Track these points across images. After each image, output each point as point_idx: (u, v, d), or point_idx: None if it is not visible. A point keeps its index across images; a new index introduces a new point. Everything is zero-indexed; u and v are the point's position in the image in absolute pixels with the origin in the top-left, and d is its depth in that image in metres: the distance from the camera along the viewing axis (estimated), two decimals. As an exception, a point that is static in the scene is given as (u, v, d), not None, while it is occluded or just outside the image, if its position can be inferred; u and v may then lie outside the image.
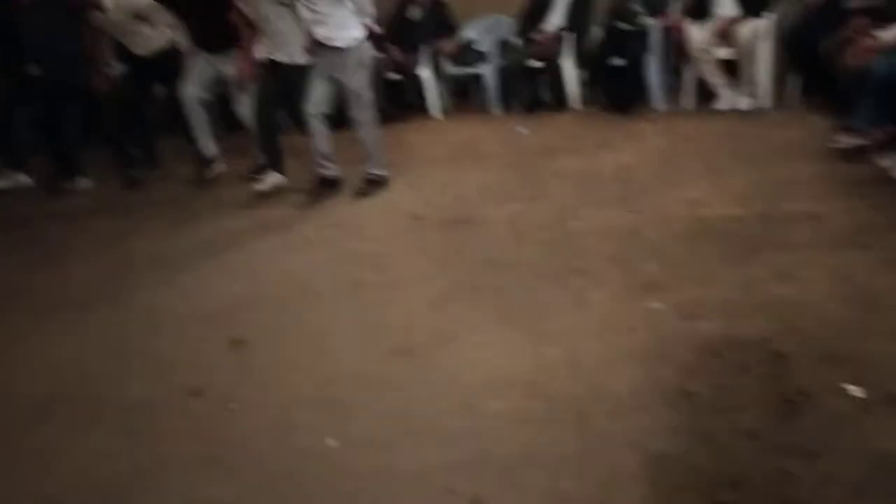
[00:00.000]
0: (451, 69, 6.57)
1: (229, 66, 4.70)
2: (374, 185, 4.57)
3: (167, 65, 5.06)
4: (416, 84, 6.55)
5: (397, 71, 6.56)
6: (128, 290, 3.62)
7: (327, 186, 4.58)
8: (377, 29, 4.59)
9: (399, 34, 6.67)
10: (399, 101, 6.63)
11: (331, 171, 4.60)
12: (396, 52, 6.55)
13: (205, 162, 5.06)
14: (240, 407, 2.57)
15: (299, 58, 4.46)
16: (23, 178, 5.56)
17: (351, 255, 3.72)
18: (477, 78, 6.47)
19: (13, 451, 2.48)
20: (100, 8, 4.95)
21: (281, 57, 4.55)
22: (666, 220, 3.59)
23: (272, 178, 4.73)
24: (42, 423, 2.59)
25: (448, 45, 6.52)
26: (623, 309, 2.84)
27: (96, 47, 5.07)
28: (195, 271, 3.76)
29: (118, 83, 5.20)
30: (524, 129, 5.65)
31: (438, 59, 6.57)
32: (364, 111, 4.42)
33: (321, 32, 4.20)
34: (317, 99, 4.36)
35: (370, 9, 4.36)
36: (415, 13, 6.69)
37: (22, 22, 5.05)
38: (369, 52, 4.48)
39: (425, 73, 6.48)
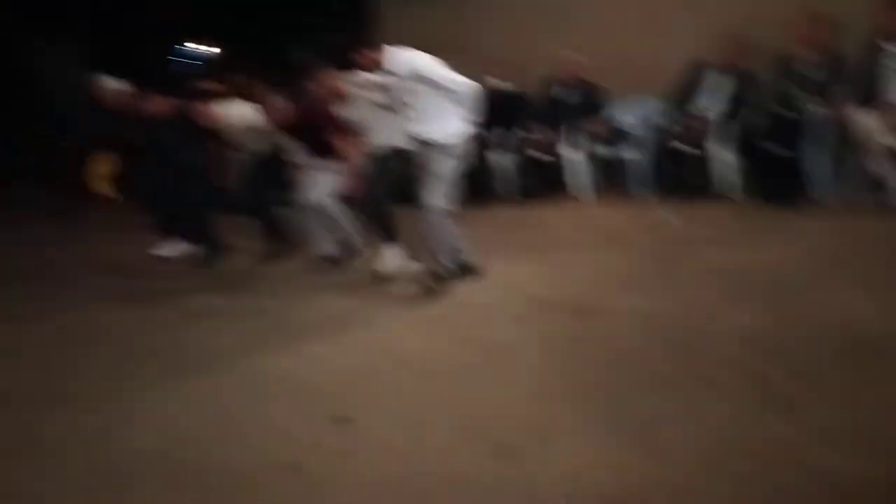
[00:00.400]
0: (598, 150, 6.49)
1: (338, 178, 4.77)
2: (439, 278, 4.34)
3: (277, 165, 5.35)
4: (560, 164, 6.51)
5: (542, 150, 6.57)
6: (248, 355, 3.73)
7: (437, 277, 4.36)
8: (476, 122, 4.40)
9: (546, 113, 6.70)
10: (542, 181, 6.61)
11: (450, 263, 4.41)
12: (542, 132, 6.57)
13: (328, 259, 5.20)
14: (332, 488, 2.54)
15: (401, 143, 4.45)
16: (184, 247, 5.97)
17: (468, 338, 3.65)
18: (624, 160, 6.34)
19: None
20: (220, 126, 5.40)
21: (387, 141, 4.61)
22: (813, 331, 3.25)
23: (390, 260, 4.75)
24: (143, 479, 2.67)
25: (596, 126, 6.47)
26: (746, 429, 2.56)
27: (218, 161, 5.56)
28: (314, 343, 3.82)
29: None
30: (670, 217, 5.43)
31: (585, 140, 6.52)
32: (441, 199, 4.17)
33: (419, 130, 4.16)
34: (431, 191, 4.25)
35: (476, 105, 4.21)
36: (563, 92, 6.71)
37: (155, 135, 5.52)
38: (468, 149, 4.29)
39: (570, 153, 6.43)
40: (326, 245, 5.15)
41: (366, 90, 4.39)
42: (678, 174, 5.94)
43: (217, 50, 21.05)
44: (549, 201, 6.32)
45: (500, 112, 6.96)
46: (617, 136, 6.47)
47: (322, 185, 4.87)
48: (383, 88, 4.19)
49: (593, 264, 4.57)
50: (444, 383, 3.21)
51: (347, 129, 4.65)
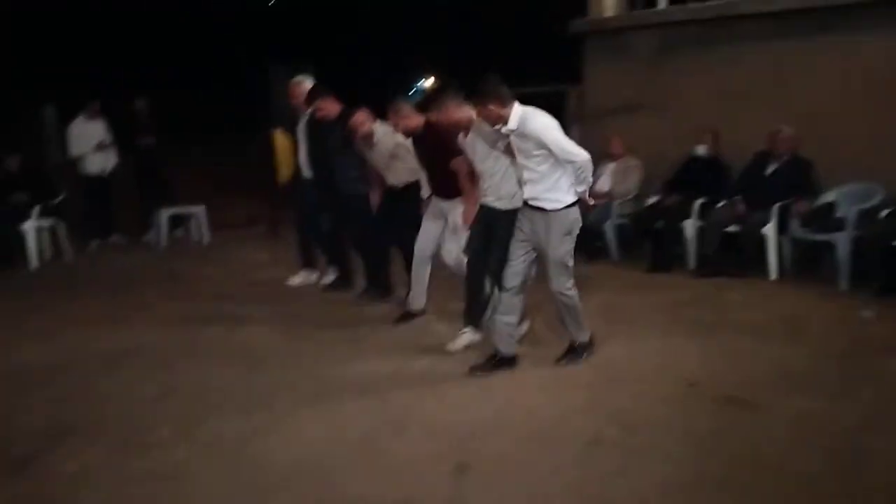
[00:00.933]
0: (800, 232, 6.06)
1: (455, 212, 4.79)
2: (577, 351, 4.25)
3: (408, 195, 5.37)
4: (755, 240, 6.16)
5: (736, 223, 6.26)
6: (395, 390, 3.89)
7: (500, 360, 4.19)
8: (589, 200, 4.24)
9: (750, 186, 6.38)
10: (730, 255, 6.30)
11: (509, 346, 4.21)
12: (741, 205, 6.26)
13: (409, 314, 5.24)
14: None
15: (504, 205, 4.32)
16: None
17: (607, 408, 3.57)
18: (828, 246, 5.87)
19: None
20: (370, 143, 5.49)
21: (490, 202, 4.44)
22: None
23: (466, 337, 4.61)
24: (271, 489, 2.88)
25: (802, 206, 6.05)
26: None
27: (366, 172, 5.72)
28: (458, 388, 3.92)
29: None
30: (869, 313, 4.95)
31: (788, 219, 6.12)
32: (562, 281, 4.07)
33: (529, 192, 4.04)
34: (514, 270, 4.10)
35: (590, 180, 4.07)
36: (771, 166, 6.35)
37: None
38: (577, 220, 4.07)
39: (768, 230, 6.07)
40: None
41: (488, 141, 4.29)
42: (891, 270, 5.40)
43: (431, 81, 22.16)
44: (734, 277, 6.00)
45: (696, 178, 6.76)
46: (823, 218, 6.01)
47: (451, 241, 4.87)
48: (505, 143, 4.14)
49: (763, 353, 4.27)
50: (571, 452, 3.16)
51: (470, 166, 4.56)
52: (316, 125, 5.93)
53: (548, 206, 3.97)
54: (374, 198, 5.71)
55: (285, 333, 4.95)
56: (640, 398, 3.70)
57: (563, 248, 4.03)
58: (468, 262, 4.59)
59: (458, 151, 4.54)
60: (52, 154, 9.88)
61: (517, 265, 4.10)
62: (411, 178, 5.35)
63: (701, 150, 6.84)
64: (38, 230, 7.60)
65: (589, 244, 7.26)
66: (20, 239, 7.40)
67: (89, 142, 8.49)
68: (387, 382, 4.02)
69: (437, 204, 5.00)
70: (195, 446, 3.26)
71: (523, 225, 4.08)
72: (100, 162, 8.58)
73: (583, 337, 4.27)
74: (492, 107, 3.90)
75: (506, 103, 3.90)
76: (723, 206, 6.46)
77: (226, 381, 4.08)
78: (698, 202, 6.60)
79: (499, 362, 4.17)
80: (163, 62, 15.14)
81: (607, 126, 7.90)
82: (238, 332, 5.01)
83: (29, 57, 13.51)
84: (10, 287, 6.64)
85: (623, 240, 7.27)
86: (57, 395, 3.87)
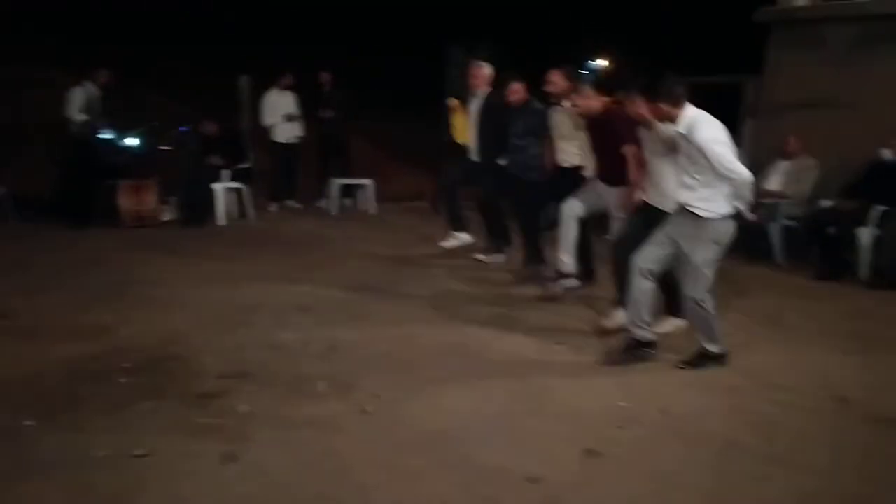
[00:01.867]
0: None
1: (614, 197, 4.92)
2: (704, 359, 4.14)
3: (571, 178, 5.55)
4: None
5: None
6: (540, 372, 4.05)
7: (635, 349, 4.20)
8: (750, 216, 4.16)
9: (867, 182, 5.97)
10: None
11: (644, 332, 4.21)
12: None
13: (560, 275, 5.43)
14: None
15: (665, 205, 4.28)
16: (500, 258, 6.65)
17: (749, 413, 3.54)
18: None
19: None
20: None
21: (653, 199, 4.45)
22: None
23: (618, 317, 4.66)
24: (411, 454, 3.13)
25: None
26: None
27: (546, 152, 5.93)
28: (600, 377, 4.02)
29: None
30: None
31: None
32: (697, 289, 3.99)
33: (686, 196, 3.98)
34: (652, 255, 4.09)
35: (748, 195, 3.97)
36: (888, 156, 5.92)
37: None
38: (730, 232, 3.98)
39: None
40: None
41: (658, 140, 4.26)
42: None
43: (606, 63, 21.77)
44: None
45: (879, 184, 6.34)
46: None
47: (586, 199, 5.15)
48: (672, 145, 4.07)
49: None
50: (705, 452, 3.18)
51: (640, 157, 4.58)
52: (495, 109, 6.22)
53: (702, 213, 3.92)
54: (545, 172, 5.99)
55: (437, 307, 5.23)
56: (786, 408, 3.63)
57: (706, 254, 3.96)
58: (616, 247, 4.68)
59: (633, 139, 4.57)
60: (245, 122, 10.76)
61: (654, 252, 4.08)
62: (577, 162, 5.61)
63: (888, 154, 6.40)
64: (228, 191, 8.38)
65: (751, 245, 7.02)
66: (212, 198, 8.21)
67: (280, 112, 9.20)
68: (530, 363, 4.18)
69: (597, 186, 5.14)
70: (349, 402, 3.57)
71: (673, 223, 4.07)
72: (288, 131, 9.28)
73: (713, 348, 4.16)
74: (662, 105, 3.89)
75: (678, 104, 3.86)
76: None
77: (382, 345, 4.40)
78: (878, 209, 6.20)
79: (635, 345, 4.22)
80: (348, 35, 15.92)
81: (785, 122, 7.55)
82: (396, 301, 5.34)
83: (226, 32, 14.69)
84: (201, 239, 7.38)
85: (790, 243, 6.96)
86: (237, 343, 4.34)
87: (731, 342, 4.56)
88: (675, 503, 2.77)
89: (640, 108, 4.15)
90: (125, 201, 7.82)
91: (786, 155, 7.15)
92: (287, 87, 9.34)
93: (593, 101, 4.99)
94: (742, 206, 4.00)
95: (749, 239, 7.09)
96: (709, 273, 4.00)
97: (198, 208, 8.10)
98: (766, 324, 4.99)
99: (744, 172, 3.83)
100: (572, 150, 5.66)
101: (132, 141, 8.24)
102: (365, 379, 3.85)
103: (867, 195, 6.33)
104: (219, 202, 8.20)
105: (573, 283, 5.50)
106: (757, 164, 7.71)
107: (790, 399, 3.73)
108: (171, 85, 12.55)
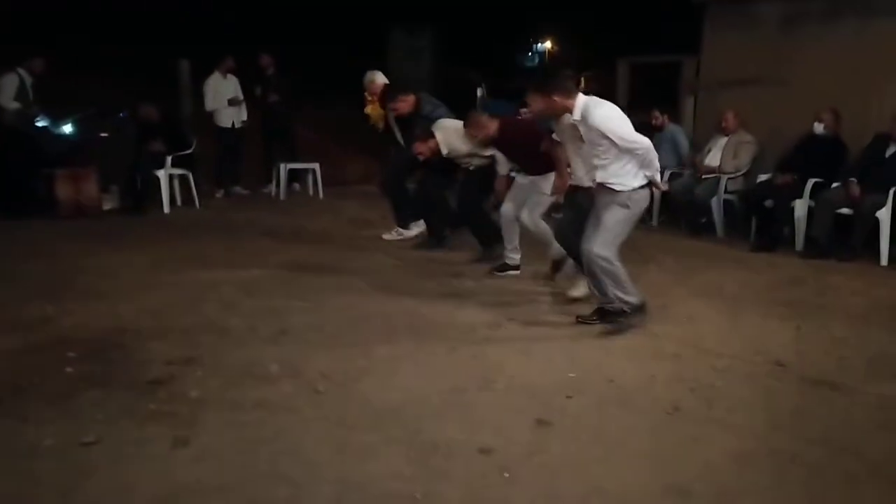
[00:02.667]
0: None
1: (545, 185, 5.18)
2: (602, 314, 4.42)
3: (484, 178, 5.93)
4: (867, 224, 5.97)
5: (851, 206, 6.06)
6: (488, 344, 4.12)
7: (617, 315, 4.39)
8: (662, 186, 4.50)
9: (868, 168, 6.16)
10: (839, 239, 6.12)
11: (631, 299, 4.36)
12: (856, 188, 6.06)
13: (512, 267, 5.71)
14: (510, 478, 2.79)
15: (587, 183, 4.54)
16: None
17: (690, 380, 3.66)
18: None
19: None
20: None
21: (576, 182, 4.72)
22: None
23: (581, 289, 4.88)
24: (365, 430, 3.17)
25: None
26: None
27: None
28: (544, 349, 4.11)
29: None
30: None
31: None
32: (606, 247, 4.18)
33: (600, 176, 4.22)
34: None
35: (656, 164, 4.20)
36: (893, 150, 6.10)
37: None
38: (644, 202, 4.25)
39: (883, 214, 5.86)
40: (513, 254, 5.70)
41: (566, 130, 4.55)
42: None
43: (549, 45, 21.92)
44: (842, 261, 5.85)
45: (812, 157, 6.56)
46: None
47: (532, 203, 5.34)
48: (577, 133, 4.33)
49: (859, 339, 4.21)
50: (649, 418, 3.28)
51: (558, 148, 4.87)
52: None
53: (618, 188, 4.17)
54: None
55: (386, 287, 5.26)
56: (725, 373, 3.76)
57: (617, 214, 4.17)
58: (560, 228, 4.87)
59: (541, 135, 4.95)
60: (186, 107, 10.57)
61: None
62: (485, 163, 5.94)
63: (819, 128, 6.63)
64: (171, 178, 8.24)
65: (694, 219, 7.22)
66: (155, 185, 8.06)
67: (224, 97, 9.05)
68: (481, 339, 4.25)
69: (524, 179, 5.46)
70: (300, 383, 3.58)
71: (596, 202, 4.29)
72: (232, 116, 9.15)
73: (631, 299, 4.32)
74: (556, 98, 4.16)
75: (570, 95, 4.15)
76: (837, 187, 6.26)
77: (332, 326, 4.41)
78: (811, 182, 6.42)
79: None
80: (289, 19, 15.70)
81: (723, 99, 7.74)
82: (345, 283, 5.35)
83: (163, 13, 14.34)
84: (144, 228, 7.26)
85: (730, 217, 7.17)
86: (185, 329, 4.30)
87: (674, 313, 4.72)
88: (622, 467, 2.85)
89: (540, 104, 4.37)
90: (63, 191, 7.63)
91: (724, 131, 7.34)
92: (229, 71, 9.20)
93: (489, 128, 5.42)
94: (651, 175, 4.20)
95: (691, 213, 7.31)
96: (620, 234, 4.22)
97: (140, 196, 7.95)
98: (707, 294, 5.15)
99: (643, 140, 4.08)
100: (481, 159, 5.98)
101: (68, 128, 8.02)
102: (315, 360, 3.86)
103: (801, 169, 6.55)
104: (163, 189, 8.06)
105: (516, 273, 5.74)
106: (698, 141, 7.95)
107: (729, 365, 3.87)
108: (106, 72, 12.23)
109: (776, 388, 3.62)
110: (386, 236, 6.96)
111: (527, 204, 5.36)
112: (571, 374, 3.73)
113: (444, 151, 5.89)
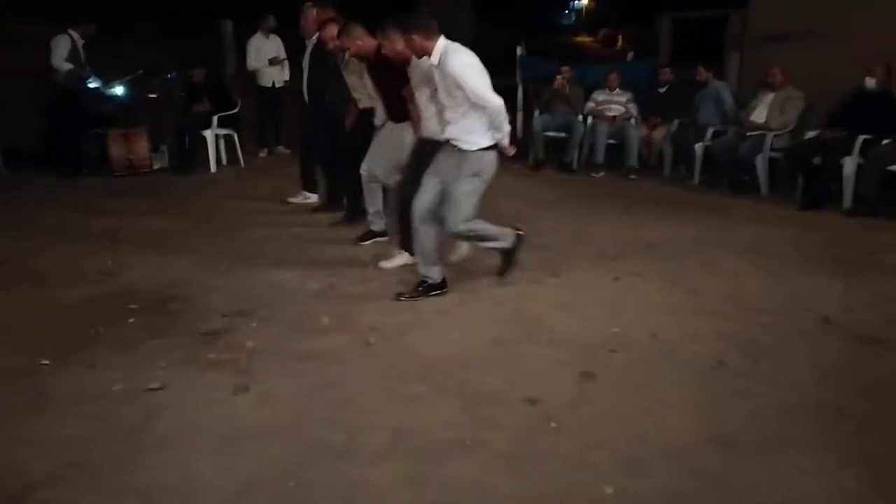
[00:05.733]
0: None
1: (406, 133, 4.71)
2: (508, 263, 4.39)
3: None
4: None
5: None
6: (522, 304, 4.20)
7: (428, 289, 4.27)
8: (509, 150, 4.15)
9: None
10: (891, 198, 6.05)
11: (436, 274, 4.29)
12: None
13: (378, 234, 5.35)
14: (557, 428, 2.88)
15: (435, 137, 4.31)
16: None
17: (735, 336, 3.70)
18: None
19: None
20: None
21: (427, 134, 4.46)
22: None
23: (400, 259, 4.76)
24: (419, 380, 3.28)
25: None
26: None
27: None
28: (587, 305, 4.17)
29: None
30: None
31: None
32: (457, 221, 4.06)
33: (448, 131, 4.07)
34: (426, 199, 4.12)
35: (506, 127, 4.02)
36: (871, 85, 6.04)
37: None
38: (493, 166, 4.06)
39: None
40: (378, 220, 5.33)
41: (419, 76, 4.30)
42: None
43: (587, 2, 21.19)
44: (891, 219, 5.79)
45: (861, 112, 6.43)
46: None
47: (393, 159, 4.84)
48: (430, 80, 4.13)
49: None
50: (693, 372, 3.33)
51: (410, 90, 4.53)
52: (321, 55, 5.91)
53: (464, 146, 4.00)
54: (349, 122, 5.61)
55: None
56: (771, 329, 3.79)
57: (467, 186, 4.02)
58: (403, 186, 4.61)
59: (407, 78, 4.50)
60: (230, 67, 10.65)
61: (428, 195, 4.12)
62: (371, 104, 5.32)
63: (870, 83, 6.48)
64: (217, 137, 8.38)
65: (737, 177, 7.15)
66: (201, 145, 8.21)
67: (265, 56, 9.12)
68: (521, 293, 4.32)
69: (391, 127, 4.93)
70: (351, 335, 3.71)
71: (437, 160, 4.14)
72: (273, 75, 9.22)
73: (506, 243, 4.34)
74: (415, 37, 3.90)
75: (430, 36, 3.89)
76: (887, 143, 6.14)
77: (378, 282, 4.53)
78: (861, 138, 6.30)
79: (426, 287, 4.28)
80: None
81: (770, 54, 7.59)
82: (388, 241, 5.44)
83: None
84: (194, 186, 7.41)
85: (776, 175, 7.08)
86: (239, 283, 4.46)
87: (717, 269, 4.72)
88: (665, 418, 2.92)
89: (397, 43, 4.16)
90: (116, 150, 7.81)
91: (771, 87, 7.21)
92: (271, 31, 9.24)
93: (365, 42, 4.71)
94: (500, 137, 4.04)
95: (734, 171, 7.24)
96: (472, 204, 4.07)
97: (188, 155, 8.11)
98: (752, 252, 5.14)
99: (496, 99, 3.88)
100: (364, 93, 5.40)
101: (118, 89, 8.18)
102: (365, 314, 3.97)
103: (850, 125, 6.42)
104: (209, 149, 8.20)
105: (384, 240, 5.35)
106: (743, 97, 7.82)
107: (776, 321, 3.89)
108: (152, 34, 12.38)
109: (823, 343, 3.64)
110: (291, 199, 6.70)
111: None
112: (615, 329, 3.79)
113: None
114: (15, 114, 8.53)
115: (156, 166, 8.09)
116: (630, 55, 11.01)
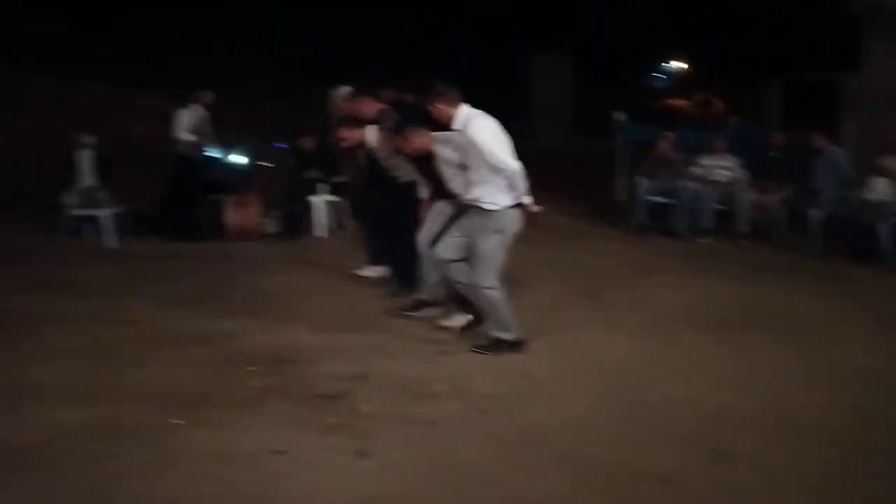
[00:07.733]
0: None
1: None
2: (498, 346, 4.35)
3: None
4: None
5: None
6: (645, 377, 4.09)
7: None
8: (533, 207, 4.32)
9: None
10: None
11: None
12: None
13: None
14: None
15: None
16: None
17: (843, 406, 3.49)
18: None
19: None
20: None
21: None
22: None
23: (459, 319, 4.76)
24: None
25: None
26: None
27: None
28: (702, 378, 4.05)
29: None
30: None
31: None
32: (485, 277, 4.25)
33: (471, 194, 4.25)
34: (450, 245, 4.42)
35: (522, 186, 4.20)
36: None
37: None
38: (515, 223, 4.26)
39: None
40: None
41: (442, 143, 4.48)
42: None
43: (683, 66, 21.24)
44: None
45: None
46: None
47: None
48: (455, 147, 4.33)
49: None
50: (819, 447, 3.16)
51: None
52: None
53: (486, 206, 4.19)
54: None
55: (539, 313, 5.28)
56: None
57: (491, 243, 4.21)
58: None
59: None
60: (335, 135, 11.00)
61: (451, 242, 4.41)
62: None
63: None
64: (326, 204, 8.63)
65: (857, 244, 6.84)
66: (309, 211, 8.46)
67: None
68: (637, 364, 4.21)
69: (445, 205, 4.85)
70: (465, 402, 3.68)
71: (465, 218, 4.38)
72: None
73: (505, 336, 4.35)
74: (440, 105, 4.19)
75: (453, 104, 4.18)
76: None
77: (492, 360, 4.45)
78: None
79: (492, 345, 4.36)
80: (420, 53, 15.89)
81: (889, 120, 7.31)
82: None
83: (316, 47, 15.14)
84: (306, 251, 7.56)
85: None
86: (353, 343, 4.53)
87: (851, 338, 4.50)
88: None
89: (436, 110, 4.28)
90: (231, 216, 8.15)
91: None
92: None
93: (422, 140, 4.63)
94: (522, 198, 4.22)
95: (854, 238, 6.91)
96: (496, 261, 4.26)
97: (297, 221, 8.37)
98: (873, 326, 4.94)
99: (511, 165, 4.12)
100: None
101: (240, 158, 8.58)
102: (478, 380, 3.95)
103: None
104: (319, 214, 8.44)
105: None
106: (860, 162, 7.52)
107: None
108: (263, 103, 13.02)
109: None
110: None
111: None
112: (742, 406, 3.64)
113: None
114: (137, 180, 9.07)
115: (267, 231, 8.38)
116: (735, 119, 10.95)
